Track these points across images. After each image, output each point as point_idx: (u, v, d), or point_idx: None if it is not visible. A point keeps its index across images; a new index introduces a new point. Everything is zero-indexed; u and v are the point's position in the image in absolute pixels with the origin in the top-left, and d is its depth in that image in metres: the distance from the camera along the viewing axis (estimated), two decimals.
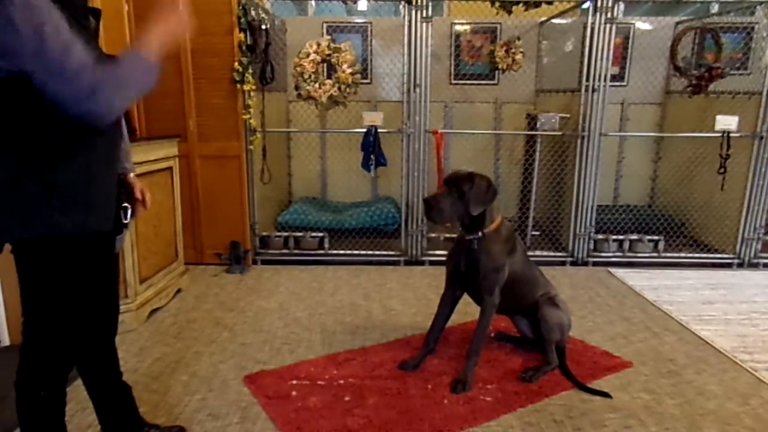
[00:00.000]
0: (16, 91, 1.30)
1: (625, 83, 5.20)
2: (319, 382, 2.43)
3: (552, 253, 4.34)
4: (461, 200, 2.35)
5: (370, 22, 5.12)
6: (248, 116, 3.89)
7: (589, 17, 3.96)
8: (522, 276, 2.56)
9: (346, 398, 2.30)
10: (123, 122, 1.66)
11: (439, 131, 4.17)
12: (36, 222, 1.39)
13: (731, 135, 3.98)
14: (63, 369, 1.60)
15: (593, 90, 4.02)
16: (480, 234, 2.42)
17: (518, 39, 4.65)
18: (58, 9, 1.29)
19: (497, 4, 4.08)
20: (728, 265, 4.27)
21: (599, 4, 3.88)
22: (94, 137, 1.44)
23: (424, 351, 2.63)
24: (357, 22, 5.19)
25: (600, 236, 4.28)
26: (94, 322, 1.68)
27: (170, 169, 3.40)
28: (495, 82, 5.28)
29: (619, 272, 4.07)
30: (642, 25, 5.13)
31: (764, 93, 3.97)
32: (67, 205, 1.41)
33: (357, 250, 4.29)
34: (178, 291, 3.55)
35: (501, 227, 2.50)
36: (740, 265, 4.27)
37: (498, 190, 2.45)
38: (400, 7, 4.00)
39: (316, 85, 4.01)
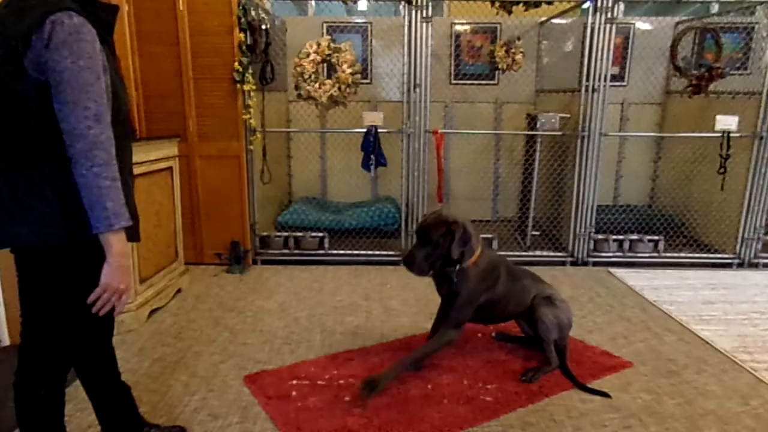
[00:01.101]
0: (38, 97, 1.33)
1: (625, 83, 5.20)
2: (319, 382, 2.43)
3: (552, 253, 4.34)
4: (437, 248, 2.31)
5: (370, 22, 5.12)
6: (248, 116, 3.89)
7: (589, 17, 3.96)
8: (506, 295, 2.54)
9: (346, 398, 2.30)
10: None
11: (439, 131, 4.17)
12: (48, 232, 1.40)
13: (731, 135, 3.98)
14: (61, 369, 1.60)
15: (593, 90, 4.02)
16: (458, 268, 2.37)
17: (518, 39, 4.65)
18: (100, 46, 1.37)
19: (497, 4, 4.07)
20: (728, 265, 4.27)
21: (599, 4, 3.88)
22: (116, 153, 1.45)
23: None
24: (357, 22, 5.19)
25: (600, 236, 4.28)
26: (91, 324, 1.68)
27: (170, 169, 3.40)
28: (495, 82, 5.28)
29: (619, 272, 4.06)
30: (642, 25, 5.13)
31: (764, 93, 3.97)
32: (80, 214, 1.40)
33: (357, 250, 4.29)
34: (178, 291, 3.55)
35: (480, 259, 2.44)
36: (740, 265, 4.27)
37: (471, 231, 2.40)
38: (400, 7, 4.00)
39: (316, 85, 4.01)
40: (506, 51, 4.62)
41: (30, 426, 1.57)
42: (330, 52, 4.02)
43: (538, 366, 2.54)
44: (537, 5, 4.17)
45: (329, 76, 4.16)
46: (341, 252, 4.27)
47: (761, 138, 4.03)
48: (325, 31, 5.06)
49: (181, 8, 3.68)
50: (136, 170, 2.94)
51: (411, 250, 2.34)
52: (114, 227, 1.39)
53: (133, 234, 1.59)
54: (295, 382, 2.43)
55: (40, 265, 1.47)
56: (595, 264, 4.27)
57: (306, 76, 4.01)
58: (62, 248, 1.45)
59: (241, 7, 3.69)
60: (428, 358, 2.42)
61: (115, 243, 1.41)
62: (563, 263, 4.30)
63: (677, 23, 5.00)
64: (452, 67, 5.25)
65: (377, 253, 4.27)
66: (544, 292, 2.64)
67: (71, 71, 1.30)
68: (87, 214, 1.40)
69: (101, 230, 1.38)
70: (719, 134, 4.01)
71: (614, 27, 3.93)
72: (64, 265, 1.47)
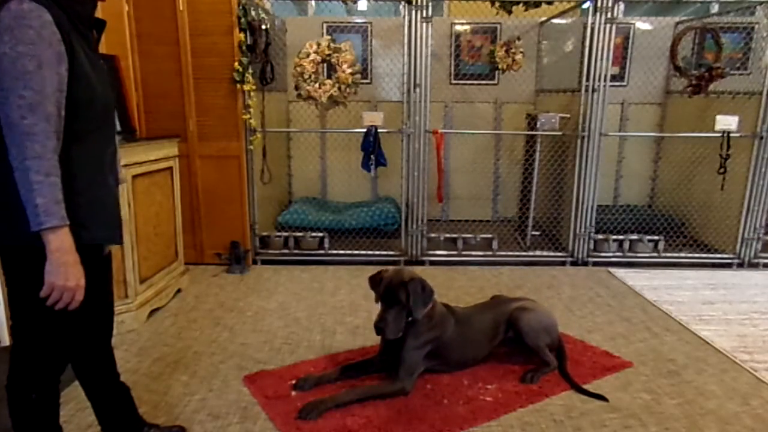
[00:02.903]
0: None
1: (625, 83, 5.20)
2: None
3: (552, 253, 4.34)
4: (404, 308, 2.29)
5: (370, 22, 5.12)
6: (248, 116, 3.89)
7: (589, 17, 3.96)
8: (459, 341, 2.50)
9: None
10: (115, 132, 1.61)
11: (439, 131, 4.17)
12: (23, 230, 1.34)
13: (731, 135, 3.98)
14: (53, 372, 1.57)
15: (593, 90, 4.02)
16: (410, 319, 2.34)
17: (518, 39, 4.65)
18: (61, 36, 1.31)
19: (497, 4, 4.08)
20: (728, 265, 4.27)
21: (599, 4, 3.88)
22: (78, 145, 1.43)
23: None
24: (357, 22, 5.18)
25: (600, 236, 4.28)
26: (87, 326, 1.67)
27: (170, 169, 3.40)
28: (495, 82, 5.28)
29: (619, 272, 4.06)
30: (642, 25, 5.13)
31: (764, 93, 3.97)
32: (21, 211, 1.33)
33: (357, 250, 4.29)
34: (178, 291, 3.55)
35: (434, 311, 2.42)
36: (740, 265, 4.27)
37: (432, 289, 2.37)
38: (400, 7, 4.00)
39: (316, 85, 4.01)
40: (506, 51, 4.62)
41: (24, 428, 1.55)
42: (330, 52, 4.02)
43: (537, 367, 2.54)
44: (537, 5, 4.17)
45: (329, 76, 4.16)
46: (341, 252, 4.27)
47: (761, 138, 4.03)
48: (325, 31, 5.06)
49: (181, 8, 3.68)
50: (137, 170, 2.97)
51: (382, 316, 2.29)
52: (44, 226, 1.30)
53: (110, 236, 1.55)
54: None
55: (21, 265, 1.43)
56: (595, 264, 4.27)
57: (306, 76, 4.01)
58: (14, 248, 1.41)
59: (241, 7, 3.69)
60: (375, 398, 2.29)
61: (53, 240, 1.33)
62: (563, 263, 4.30)
63: (677, 23, 5.01)
64: (452, 67, 5.25)
65: (377, 253, 4.27)
66: (512, 306, 2.63)
67: (9, 57, 1.25)
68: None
69: (32, 228, 1.31)
70: (719, 134, 4.01)
71: (614, 27, 3.93)
72: (19, 264, 1.43)
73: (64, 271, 1.36)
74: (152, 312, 3.19)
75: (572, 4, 4.41)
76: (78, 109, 1.40)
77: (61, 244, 1.35)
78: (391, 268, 2.45)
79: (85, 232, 1.45)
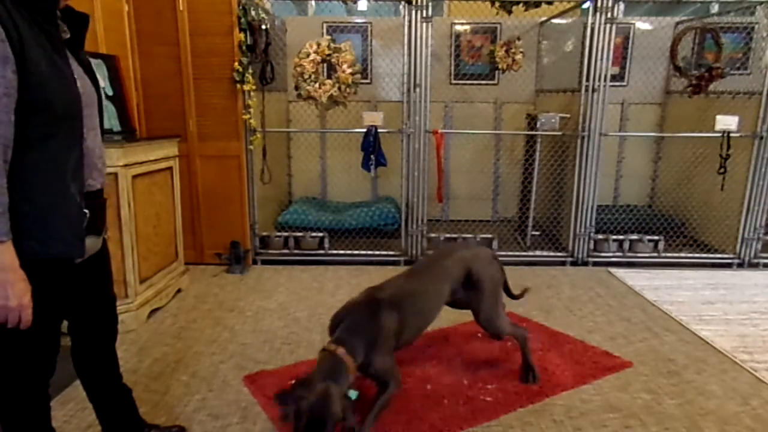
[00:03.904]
0: None
1: (625, 83, 5.20)
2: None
3: (552, 253, 4.34)
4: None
5: (370, 22, 5.12)
6: (248, 116, 3.89)
7: (589, 17, 3.96)
8: (415, 312, 2.26)
9: None
10: (87, 137, 1.46)
11: (439, 131, 4.17)
12: None
13: (731, 135, 3.98)
14: (39, 380, 1.49)
15: (593, 90, 4.02)
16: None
17: (518, 39, 4.64)
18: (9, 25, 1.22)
19: (497, 4, 4.08)
20: (728, 265, 4.27)
21: (599, 4, 3.88)
22: (33, 152, 1.32)
23: None
24: (357, 22, 5.19)
25: (600, 236, 4.28)
26: (87, 328, 1.67)
27: (170, 169, 3.40)
28: (495, 82, 5.29)
29: (619, 272, 4.06)
30: (642, 25, 5.13)
31: (764, 93, 3.97)
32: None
33: (357, 250, 4.29)
34: (178, 291, 3.55)
35: (382, 327, 2.12)
36: (740, 265, 4.27)
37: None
38: (400, 7, 4.00)
39: (316, 85, 4.01)
40: (506, 51, 4.62)
41: None
42: (330, 52, 4.02)
43: (530, 364, 2.47)
44: (537, 5, 4.17)
45: (329, 76, 4.16)
46: (341, 252, 4.27)
47: (761, 138, 4.03)
48: (325, 31, 5.06)
49: (181, 8, 3.69)
50: (137, 170, 2.97)
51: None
52: None
53: (67, 249, 1.42)
54: (294, 382, 2.42)
55: None
56: (595, 264, 4.27)
57: (306, 76, 4.00)
58: None
59: (241, 7, 3.69)
60: (383, 411, 2.12)
61: None
62: (563, 263, 4.30)
63: (677, 23, 5.00)
64: (452, 67, 5.25)
65: (377, 253, 4.27)
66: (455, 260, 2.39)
67: None
68: (15, 228, 1.28)
69: None
70: (719, 134, 4.01)
71: (614, 27, 3.93)
72: None
73: (2, 291, 1.26)
74: (152, 312, 3.19)
75: (572, 4, 4.41)
76: (31, 113, 1.29)
77: None
78: (299, 380, 1.87)
79: (38, 245, 1.35)
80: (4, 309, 1.28)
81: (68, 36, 1.48)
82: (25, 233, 1.32)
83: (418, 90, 4.01)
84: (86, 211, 1.46)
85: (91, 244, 1.54)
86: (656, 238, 4.28)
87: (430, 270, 2.43)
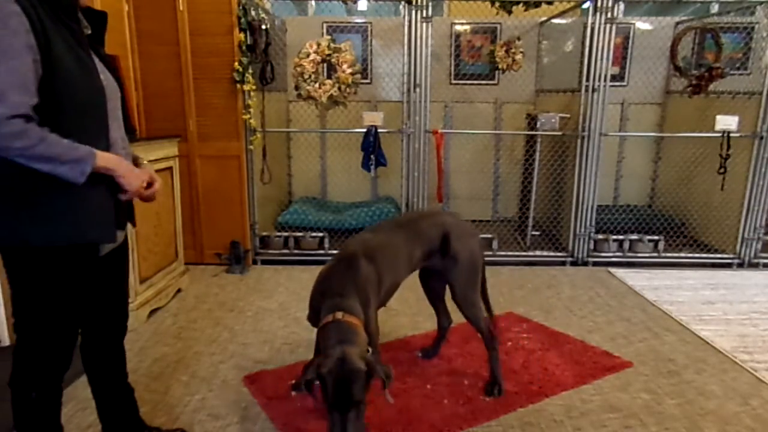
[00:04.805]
0: None
1: (625, 83, 5.20)
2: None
3: (552, 253, 4.34)
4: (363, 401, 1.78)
5: (370, 22, 5.12)
6: (248, 116, 3.89)
7: (589, 17, 3.96)
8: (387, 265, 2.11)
9: None
10: (111, 128, 1.51)
11: (439, 131, 4.17)
12: (24, 231, 1.35)
13: (731, 135, 3.98)
14: (55, 371, 1.56)
15: (593, 90, 4.02)
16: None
17: (518, 39, 4.65)
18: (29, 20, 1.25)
19: (497, 4, 4.08)
20: (728, 265, 4.27)
21: (599, 4, 3.88)
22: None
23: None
24: (357, 22, 5.18)
25: (600, 236, 4.28)
26: (99, 322, 1.68)
27: (170, 169, 3.40)
28: (495, 82, 5.28)
29: (619, 272, 4.06)
30: (642, 25, 5.13)
31: (764, 93, 3.97)
32: (36, 214, 1.35)
33: None
34: (178, 291, 3.55)
35: (361, 279, 1.99)
36: (740, 265, 4.27)
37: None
38: (400, 7, 4.00)
39: (316, 85, 4.01)
40: (506, 51, 4.62)
41: (25, 426, 1.55)
42: (330, 52, 4.02)
43: (496, 376, 2.37)
44: (537, 5, 4.17)
45: (329, 76, 4.16)
46: None
47: (761, 138, 4.03)
48: (325, 31, 5.06)
49: (181, 8, 3.68)
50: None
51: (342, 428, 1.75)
52: (86, 173, 1.35)
53: (100, 235, 1.51)
54: (294, 382, 2.42)
55: (17, 265, 1.44)
56: (595, 264, 4.27)
57: (306, 76, 4.00)
58: (15, 249, 1.40)
59: (241, 7, 3.69)
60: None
61: (99, 169, 1.38)
62: (563, 263, 4.30)
63: (677, 23, 5.00)
64: (452, 67, 5.24)
65: None
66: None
67: None
68: (44, 215, 1.35)
69: (80, 182, 1.35)
70: (719, 134, 4.01)
71: (614, 27, 3.93)
72: (21, 265, 1.43)
73: (124, 182, 1.46)
74: (152, 312, 3.19)
75: (572, 4, 4.41)
76: (60, 105, 1.34)
77: (105, 164, 1.40)
78: (323, 356, 1.77)
79: (73, 230, 1.42)
80: (133, 195, 1.53)
81: (90, 32, 1.52)
82: (60, 220, 1.38)
83: (418, 90, 4.01)
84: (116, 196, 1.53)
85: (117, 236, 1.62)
86: (656, 238, 4.28)
87: (403, 227, 2.28)
